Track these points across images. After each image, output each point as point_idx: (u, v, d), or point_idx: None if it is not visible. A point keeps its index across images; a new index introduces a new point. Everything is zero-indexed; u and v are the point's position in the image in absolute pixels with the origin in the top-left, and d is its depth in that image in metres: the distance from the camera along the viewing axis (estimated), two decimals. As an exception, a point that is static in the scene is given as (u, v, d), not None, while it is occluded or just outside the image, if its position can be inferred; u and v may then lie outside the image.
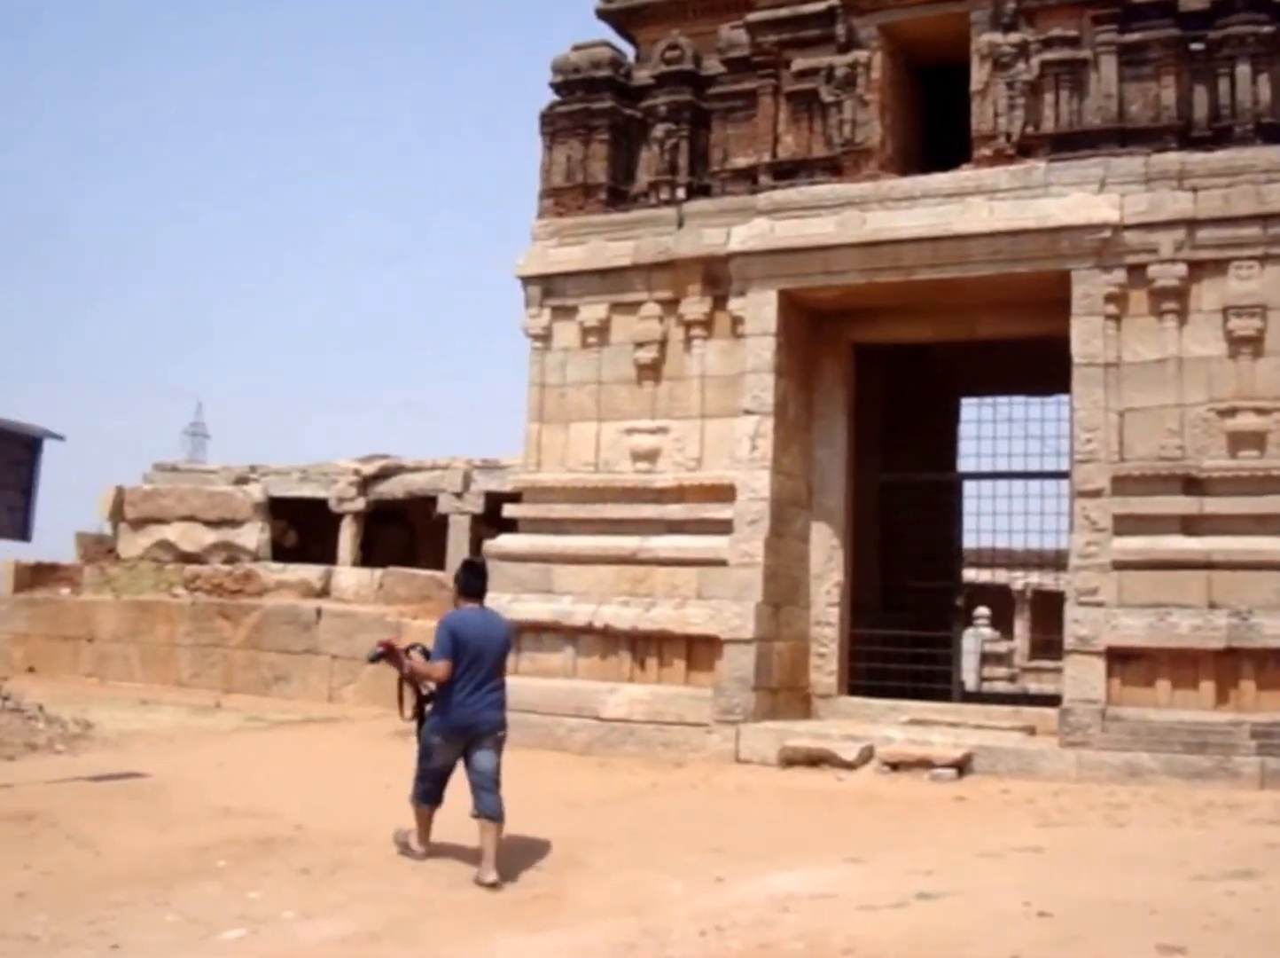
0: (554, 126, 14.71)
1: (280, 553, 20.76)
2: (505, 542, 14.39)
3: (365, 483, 20.02)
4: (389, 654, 8.07)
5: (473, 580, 8.25)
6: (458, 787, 7.75)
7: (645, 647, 13.14)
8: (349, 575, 19.42)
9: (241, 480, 21.14)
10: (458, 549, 19.26)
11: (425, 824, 7.99)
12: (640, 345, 13.90)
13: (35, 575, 21.46)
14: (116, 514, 21.76)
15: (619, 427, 13.95)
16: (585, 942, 5.85)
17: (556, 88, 14.78)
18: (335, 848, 7.93)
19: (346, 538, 20.02)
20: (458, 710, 7.76)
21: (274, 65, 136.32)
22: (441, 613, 16.93)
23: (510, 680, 13.11)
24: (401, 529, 21.35)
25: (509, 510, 14.62)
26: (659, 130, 14.24)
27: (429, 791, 7.94)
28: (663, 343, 13.84)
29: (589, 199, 14.45)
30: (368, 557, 20.07)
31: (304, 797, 9.67)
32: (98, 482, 22.43)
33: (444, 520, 19.55)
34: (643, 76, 14.64)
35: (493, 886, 7.17)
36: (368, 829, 8.42)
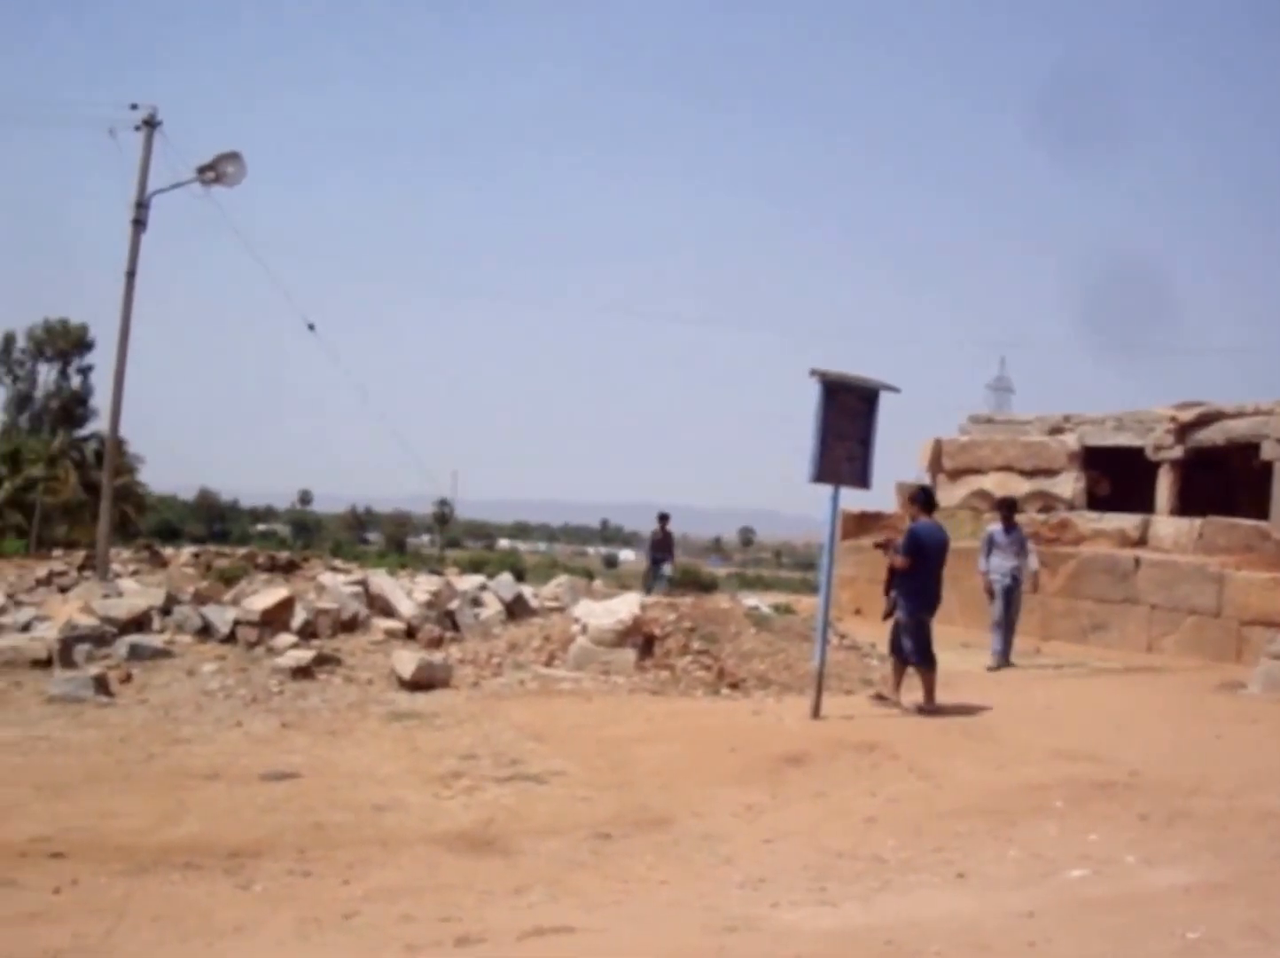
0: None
1: (1092, 501, 20.78)
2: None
3: (1182, 430, 19.51)
4: (886, 546, 11.94)
5: (929, 500, 11.91)
6: None
7: None
8: (1167, 525, 19.06)
9: (1055, 430, 21.39)
10: (1283, 498, 18.28)
11: (900, 677, 11.41)
12: None
13: (859, 523, 23.05)
14: (934, 464, 22.88)
15: None
16: None
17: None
18: (1172, 796, 7.93)
19: (1163, 486, 19.63)
20: (924, 595, 11.30)
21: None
22: (1264, 564, 16.37)
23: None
24: (1219, 477, 20.56)
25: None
26: None
27: (916, 649, 11.23)
28: None
29: None
30: (1184, 505, 19.55)
31: (1134, 743, 9.75)
32: (908, 434, 23.39)
33: (1266, 468, 18.60)
34: None
35: (919, 709, 11.00)
36: (1202, 779, 8.41)
